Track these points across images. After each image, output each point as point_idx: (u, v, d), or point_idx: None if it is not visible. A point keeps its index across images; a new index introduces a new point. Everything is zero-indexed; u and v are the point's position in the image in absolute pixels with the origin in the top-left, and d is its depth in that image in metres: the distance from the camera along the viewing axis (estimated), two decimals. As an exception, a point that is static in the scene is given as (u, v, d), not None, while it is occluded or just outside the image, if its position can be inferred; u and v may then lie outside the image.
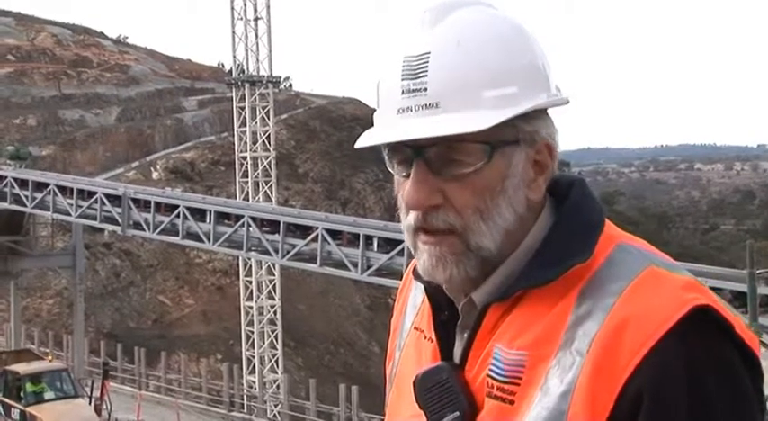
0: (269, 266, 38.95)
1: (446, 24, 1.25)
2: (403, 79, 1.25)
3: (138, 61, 76.68)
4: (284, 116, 67.84)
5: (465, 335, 1.32)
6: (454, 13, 1.26)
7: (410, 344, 1.46)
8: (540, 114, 1.29)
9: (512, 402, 1.22)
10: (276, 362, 39.54)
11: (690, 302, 1.16)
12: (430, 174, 1.24)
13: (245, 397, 32.96)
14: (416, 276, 1.41)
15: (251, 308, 39.79)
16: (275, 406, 32.39)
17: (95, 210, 31.77)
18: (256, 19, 41.27)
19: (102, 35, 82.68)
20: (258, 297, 39.76)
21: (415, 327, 1.46)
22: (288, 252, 26.20)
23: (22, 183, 35.06)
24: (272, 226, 27.00)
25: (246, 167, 40.87)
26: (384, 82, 1.29)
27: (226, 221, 28.30)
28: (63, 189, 33.48)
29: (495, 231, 1.26)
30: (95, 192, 32.02)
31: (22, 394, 22.15)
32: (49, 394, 22.45)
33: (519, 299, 1.26)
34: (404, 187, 1.28)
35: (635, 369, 1.13)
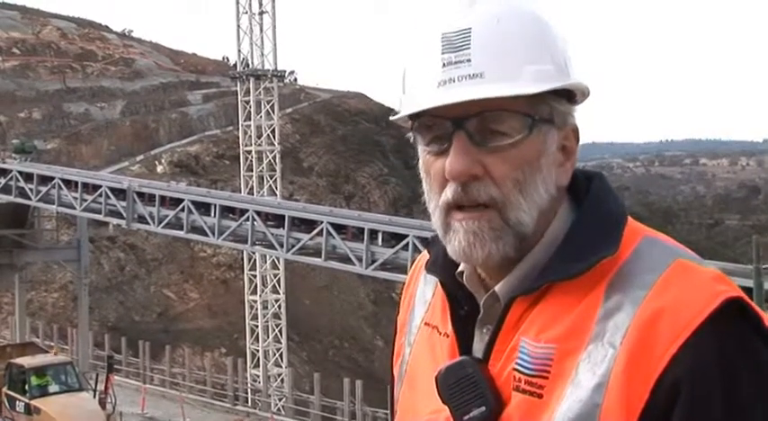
0: (273, 260, 38.96)
1: (483, 5, 1.29)
2: (444, 53, 1.27)
3: (142, 55, 76.73)
4: (289, 110, 67.85)
5: (485, 329, 1.32)
6: None
7: (421, 341, 1.45)
8: (568, 100, 1.32)
9: (540, 396, 1.21)
10: (280, 356, 39.58)
11: (722, 294, 1.17)
12: (471, 145, 1.25)
13: (249, 390, 33.04)
14: (430, 269, 1.43)
15: (255, 302, 39.83)
16: (279, 399, 32.45)
17: (100, 203, 31.81)
18: (261, 13, 41.26)
19: (106, 29, 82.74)
20: (263, 291, 39.79)
21: (426, 323, 1.45)
22: (292, 246, 26.19)
23: (27, 177, 35.09)
24: (277, 220, 26.99)
25: (251, 161, 40.87)
26: (419, 58, 1.30)
27: (230, 215, 28.30)
28: (68, 182, 33.51)
29: (532, 207, 1.27)
30: (100, 186, 32.04)
31: (26, 387, 22.18)
32: (53, 387, 22.47)
33: (545, 292, 1.26)
34: (434, 164, 1.29)
35: (671, 359, 1.14)
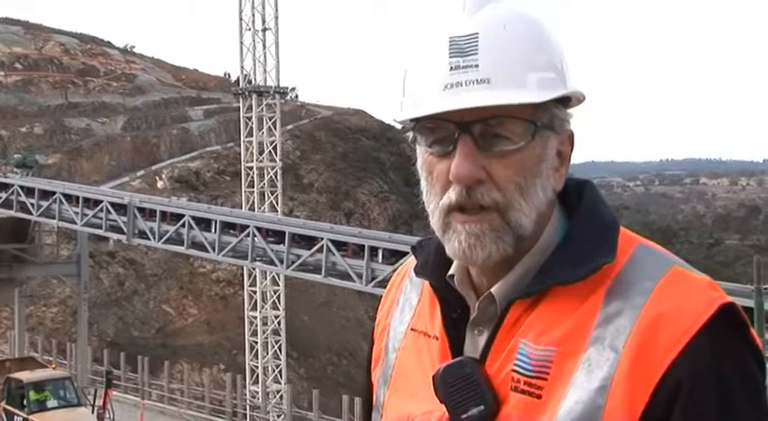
0: (273, 276, 38.90)
1: (489, 10, 1.31)
2: (451, 57, 1.28)
3: (144, 70, 76.95)
4: (290, 127, 67.95)
5: (476, 331, 1.35)
6: (493, 3, 1.32)
7: (408, 347, 1.46)
8: (565, 105, 1.34)
9: (539, 396, 1.25)
10: (279, 372, 39.46)
11: (716, 301, 1.23)
12: (476, 149, 1.27)
13: (247, 407, 32.91)
14: (419, 273, 1.45)
15: (255, 318, 39.73)
16: (278, 416, 32.32)
17: (101, 218, 31.82)
18: (264, 29, 41.34)
19: (109, 44, 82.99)
20: (262, 307, 39.71)
21: (412, 329, 1.47)
22: (293, 262, 26.19)
23: (29, 191, 35.13)
24: (278, 236, 27.00)
25: (252, 177, 40.89)
26: (425, 61, 1.32)
27: (231, 231, 28.31)
28: (69, 197, 33.54)
29: (532, 210, 1.30)
30: (101, 201, 32.07)
31: (25, 402, 22.12)
32: (51, 402, 22.40)
33: (543, 295, 1.29)
34: (437, 166, 1.31)
35: (671, 363, 1.19)
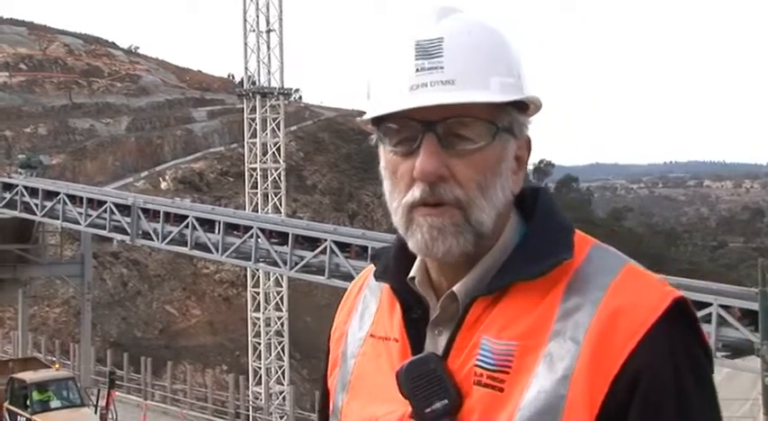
0: (277, 278, 38.92)
1: (453, 18, 1.36)
2: (417, 59, 1.33)
3: (148, 71, 77.00)
4: (293, 128, 67.97)
5: (437, 331, 1.39)
6: (456, 13, 1.38)
7: (367, 352, 1.49)
8: (525, 111, 1.39)
9: (501, 389, 1.29)
10: (282, 373, 39.48)
11: (670, 294, 1.29)
12: (440, 147, 1.32)
13: (250, 408, 32.95)
14: (379, 277, 1.50)
15: (258, 319, 39.76)
16: (281, 417, 32.35)
17: (105, 219, 31.80)
18: (269, 31, 41.38)
19: (113, 45, 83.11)
20: (265, 308, 39.73)
21: (371, 335, 1.49)
22: (296, 264, 26.19)
23: (33, 192, 35.14)
24: (281, 237, 26.99)
25: (256, 178, 40.93)
26: (391, 63, 1.36)
27: (235, 232, 28.30)
28: (73, 198, 33.54)
29: (491, 209, 1.35)
30: (105, 202, 32.06)
31: (28, 402, 22.14)
32: (55, 403, 22.43)
33: (503, 293, 1.33)
34: (402, 165, 1.35)
35: (630, 353, 1.24)
